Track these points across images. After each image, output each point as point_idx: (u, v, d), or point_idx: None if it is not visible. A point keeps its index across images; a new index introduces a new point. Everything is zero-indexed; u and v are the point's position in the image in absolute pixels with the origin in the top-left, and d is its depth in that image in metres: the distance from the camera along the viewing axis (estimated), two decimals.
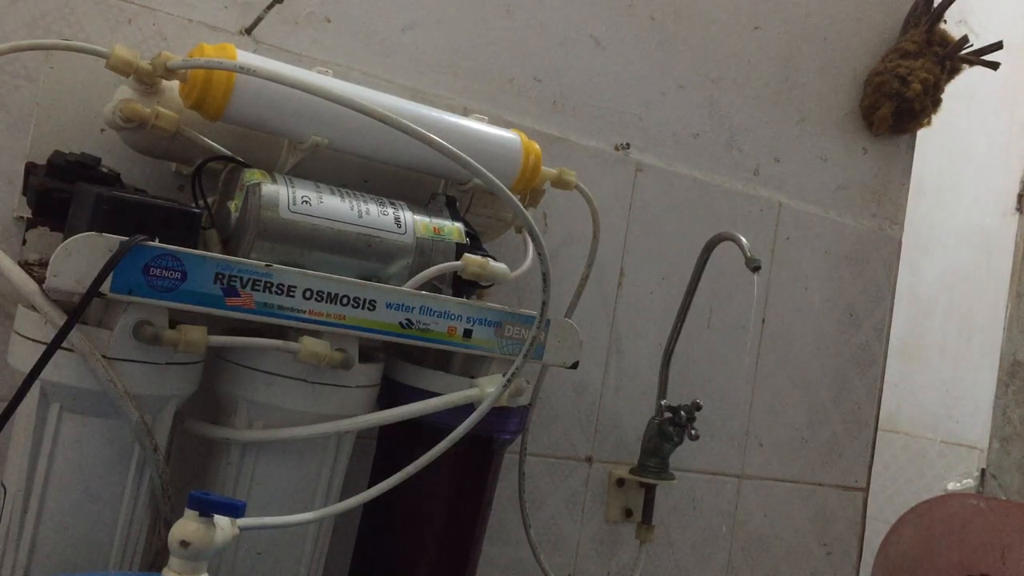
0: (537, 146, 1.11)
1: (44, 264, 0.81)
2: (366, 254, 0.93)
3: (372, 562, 1.05)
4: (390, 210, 0.96)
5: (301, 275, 0.87)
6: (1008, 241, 2.61)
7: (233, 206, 0.91)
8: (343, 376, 0.91)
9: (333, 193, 0.94)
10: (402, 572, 1.04)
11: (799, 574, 1.61)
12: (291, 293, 0.86)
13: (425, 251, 0.97)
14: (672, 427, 1.29)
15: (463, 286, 1.01)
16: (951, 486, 2.55)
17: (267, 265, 0.85)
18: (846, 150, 1.62)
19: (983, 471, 2.54)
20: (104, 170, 0.91)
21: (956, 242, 2.70)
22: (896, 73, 1.58)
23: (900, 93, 1.58)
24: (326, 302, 0.88)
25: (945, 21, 1.62)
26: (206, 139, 0.94)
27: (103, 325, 0.82)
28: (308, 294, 0.87)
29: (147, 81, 0.91)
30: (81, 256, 0.77)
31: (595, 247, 1.25)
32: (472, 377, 0.98)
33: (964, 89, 1.73)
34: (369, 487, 0.92)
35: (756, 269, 1.23)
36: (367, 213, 0.94)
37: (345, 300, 0.89)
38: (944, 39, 1.61)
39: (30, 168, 0.96)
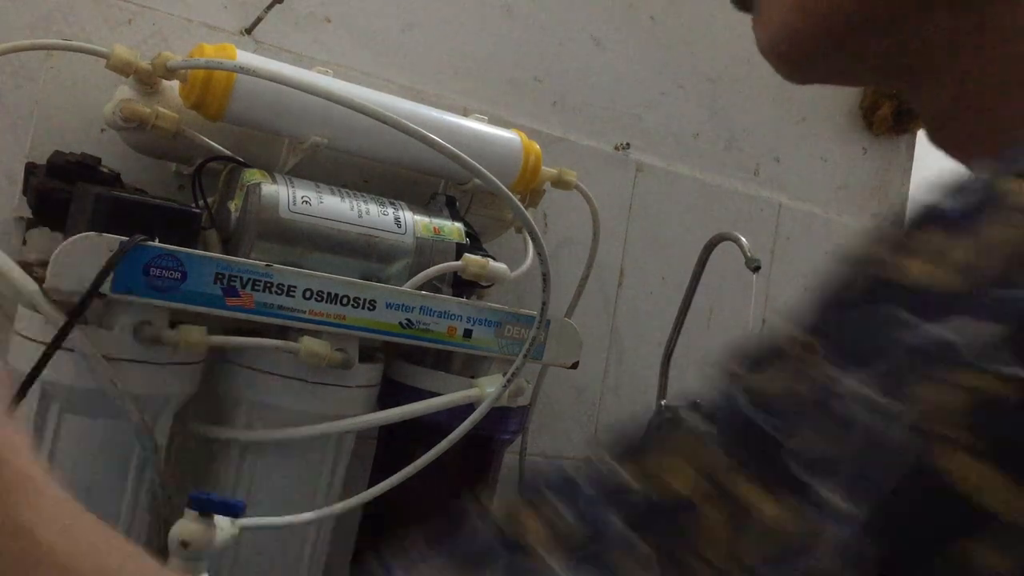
0: (537, 146, 1.11)
1: (44, 264, 0.81)
2: (366, 254, 0.93)
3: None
4: (390, 210, 0.96)
5: (301, 275, 0.87)
6: None
7: (233, 206, 0.91)
8: (343, 376, 0.91)
9: (333, 193, 0.94)
10: None
11: None
12: (291, 293, 0.86)
13: (425, 251, 0.97)
14: None
15: (463, 286, 1.01)
16: None
17: (267, 265, 0.85)
18: (846, 150, 1.62)
19: None
20: (104, 170, 0.90)
21: None
22: None
23: (900, 93, 1.58)
24: (326, 302, 0.88)
25: None
26: (206, 139, 0.94)
27: (103, 325, 0.82)
28: (308, 294, 0.87)
29: (147, 81, 0.91)
30: (81, 256, 0.77)
31: (595, 247, 1.25)
32: (472, 377, 0.98)
33: None
34: (369, 487, 0.92)
35: (756, 269, 1.23)
36: (367, 213, 0.94)
37: (345, 300, 0.89)
38: None
39: (30, 168, 0.96)
